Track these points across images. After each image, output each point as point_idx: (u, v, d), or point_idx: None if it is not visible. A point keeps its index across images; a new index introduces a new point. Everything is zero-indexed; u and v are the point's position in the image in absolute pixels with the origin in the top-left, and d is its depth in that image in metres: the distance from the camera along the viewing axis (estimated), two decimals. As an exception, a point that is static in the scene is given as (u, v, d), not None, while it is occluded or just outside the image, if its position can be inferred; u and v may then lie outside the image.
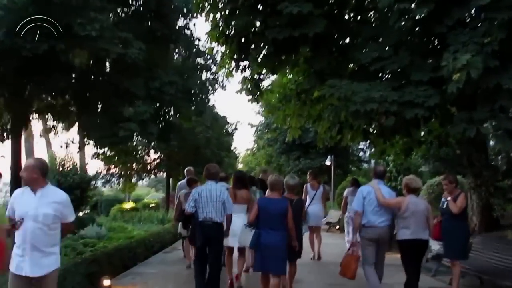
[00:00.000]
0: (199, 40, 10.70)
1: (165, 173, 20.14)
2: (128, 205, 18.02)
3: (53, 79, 6.45)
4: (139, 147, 17.54)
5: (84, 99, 7.64)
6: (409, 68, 6.24)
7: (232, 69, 8.55)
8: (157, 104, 9.55)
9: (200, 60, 12.64)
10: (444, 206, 5.14)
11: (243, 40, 7.96)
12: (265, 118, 23.38)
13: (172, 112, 10.65)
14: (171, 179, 19.84)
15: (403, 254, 4.64)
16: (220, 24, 7.84)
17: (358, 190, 5.03)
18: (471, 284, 5.82)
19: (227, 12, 7.64)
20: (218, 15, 7.83)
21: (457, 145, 8.67)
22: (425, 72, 6.11)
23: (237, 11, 7.52)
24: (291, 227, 4.36)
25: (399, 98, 5.94)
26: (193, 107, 11.36)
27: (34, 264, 3.02)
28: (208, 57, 13.59)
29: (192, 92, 10.74)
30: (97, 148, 10.33)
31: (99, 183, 19.44)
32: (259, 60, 7.91)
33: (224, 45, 8.16)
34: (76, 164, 16.64)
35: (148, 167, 19.15)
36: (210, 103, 18.48)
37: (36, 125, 20.26)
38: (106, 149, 11.16)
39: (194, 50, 10.85)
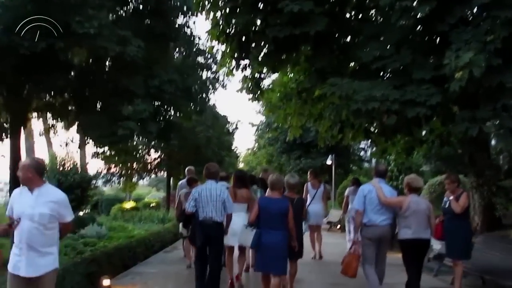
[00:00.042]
0: (199, 38, 10.67)
1: (165, 173, 20.12)
2: (129, 204, 17.99)
3: (51, 78, 6.41)
4: (140, 147, 17.52)
5: (83, 98, 7.60)
6: (410, 67, 6.20)
7: (233, 68, 8.51)
8: (157, 103, 9.51)
9: (200, 59, 12.61)
10: (446, 206, 5.10)
11: (243, 38, 7.92)
12: (266, 117, 23.37)
13: (172, 111, 10.61)
14: (171, 179, 19.82)
15: (404, 253, 4.61)
16: (220, 22, 7.80)
17: (359, 189, 5.00)
18: (473, 284, 5.78)
19: (227, 10, 7.60)
20: (218, 14, 7.79)
21: (459, 144, 8.62)
22: (427, 71, 6.06)
23: (238, 9, 7.48)
24: (292, 227, 4.34)
25: (400, 97, 5.90)
26: (193, 106, 11.31)
27: (30, 264, 2.99)
28: (209, 56, 13.57)
29: (192, 90, 10.70)
30: (96, 148, 10.31)
31: (99, 182, 19.42)
32: (260, 58, 7.87)
33: (225, 44, 8.12)
34: (77, 163, 16.64)
35: (149, 166, 19.13)
36: (211, 102, 18.47)
37: (36, 124, 20.30)
38: (106, 148, 11.13)
39: (194, 49, 10.81)
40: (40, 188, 3.05)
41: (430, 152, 12.50)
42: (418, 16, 6.21)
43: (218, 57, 10.31)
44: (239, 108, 76.00)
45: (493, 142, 11.04)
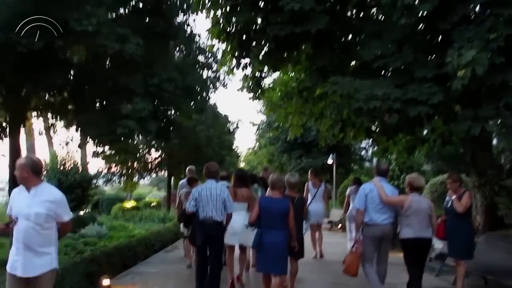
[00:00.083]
0: (199, 36, 10.60)
1: (166, 172, 20.09)
2: (129, 204, 17.98)
3: (50, 76, 6.37)
4: (140, 146, 17.49)
5: (82, 96, 7.56)
6: (412, 65, 6.15)
7: (233, 67, 8.47)
8: (157, 102, 9.45)
9: (201, 58, 12.55)
10: (449, 205, 5.06)
11: (244, 37, 7.88)
12: (266, 116, 23.35)
13: (171, 109, 10.57)
14: (172, 178, 19.80)
15: (406, 253, 4.59)
16: (220, 21, 7.76)
17: (360, 187, 4.98)
18: (475, 284, 5.74)
19: (227, 8, 7.56)
20: (218, 12, 7.74)
21: (461, 143, 8.57)
22: (429, 69, 6.02)
23: (238, 7, 7.44)
24: (292, 227, 4.32)
25: (402, 96, 5.86)
26: (193, 105, 11.26)
27: (27, 264, 2.96)
28: (210, 55, 13.52)
29: (193, 89, 10.65)
30: (96, 147, 10.28)
31: (100, 182, 19.41)
32: (261, 57, 7.83)
33: (225, 42, 8.08)
34: (77, 163, 16.63)
35: (149, 165, 19.10)
36: (212, 102, 18.43)
37: (37, 123, 20.29)
38: (106, 147, 11.09)
39: (194, 47, 10.75)
40: (37, 187, 3.02)
41: (431, 151, 12.46)
42: (420, 14, 6.16)
43: (219, 56, 10.26)
44: (240, 108, 76.08)
45: (494, 141, 10.99)
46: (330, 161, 18.11)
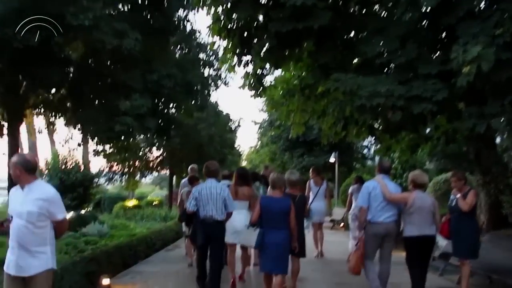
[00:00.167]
0: (199, 32, 10.53)
1: (168, 171, 20.07)
2: (131, 202, 17.95)
3: (47, 73, 6.31)
4: (142, 144, 17.47)
5: (79, 93, 7.50)
6: (416, 62, 6.06)
7: (234, 64, 8.38)
8: (155, 98, 9.36)
9: (202, 56, 12.48)
10: (453, 204, 4.98)
11: (245, 34, 7.79)
12: (268, 115, 23.28)
13: (171, 107, 10.50)
14: (174, 177, 19.77)
15: (409, 251, 4.54)
16: (221, 17, 7.67)
17: (363, 185, 4.92)
18: (480, 284, 5.68)
19: (228, 5, 7.46)
20: (219, 9, 7.66)
21: (465, 141, 8.48)
22: (433, 65, 5.93)
23: (239, 4, 7.34)
24: (293, 227, 4.28)
25: (406, 93, 5.77)
26: (193, 102, 11.19)
27: (21, 264, 2.91)
28: (211, 53, 13.45)
29: (193, 86, 10.57)
30: (96, 145, 10.23)
31: (102, 180, 19.40)
32: (262, 54, 7.73)
33: (226, 39, 8.00)
34: (79, 162, 16.62)
35: (151, 164, 19.08)
36: (213, 100, 18.37)
37: (38, 122, 20.27)
38: (107, 146, 11.05)
39: (195, 43, 10.68)
40: (30, 185, 2.95)
41: (435, 149, 12.37)
42: (424, 10, 6.06)
43: (220, 53, 10.18)
44: (241, 106, 76.03)
45: (498, 139, 10.89)
46: (332, 160, 18.02)
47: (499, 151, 10.54)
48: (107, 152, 14.12)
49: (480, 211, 7.59)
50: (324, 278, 6.07)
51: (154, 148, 18.34)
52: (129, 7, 7.27)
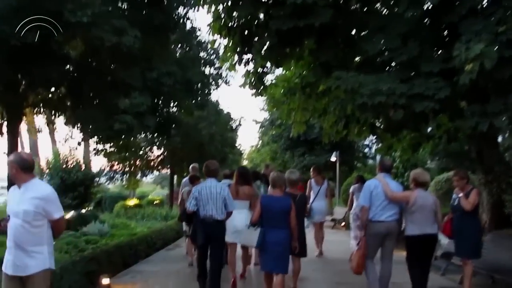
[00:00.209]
0: (199, 30, 10.46)
1: (169, 170, 20.05)
2: (132, 201, 17.93)
3: (46, 70, 6.27)
4: (142, 144, 17.45)
5: (78, 91, 7.45)
6: (418, 59, 6.01)
7: (235, 63, 8.34)
8: (155, 96, 9.30)
9: (202, 54, 12.43)
10: (455, 203, 4.94)
11: (246, 32, 7.75)
12: (269, 114, 23.23)
13: (171, 104, 10.44)
14: (175, 176, 19.75)
15: (410, 251, 4.52)
16: (222, 15, 7.63)
17: (364, 184, 4.89)
18: (482, 284, 5.63)
19: (229, 3, 7.42)
20: (220, 7, 7.61)
21: (467, 140, 8.42)
22: (435, 63, 5.88)
23: (240, 2, 7.30)
24: (293, 226, 4.25)
25: (408, 91, 5.72)
26: (193, 100, 11.13)
27: (18, 263, 2.88)
28: (212, 51, 13.42)
29: (193, 84, 10.51)
30: (96, 144, 10.19)
31: (102, 179, 19.40)
32: (263, 52, 7.69)
33: (227, 38, 7.96)
34: (80, 161, 16.62)
35: (152, 163, 19.06)
36: (214, 99, 18.34)
37: (40, 121, 20.25)
38: (107, 145, 11.01)
39: (195, 42, 10.63)
40: (27, 184, 2.92)
41: (436, 148, 12.31)
42: (426, 7, 6.01)
43: (221, 52, 10.14)
44: (242, 105, 76.02)
45: (499, 138, 10.82)
46: (333, 159, 17.96)
47: (501, 150, 10.48)
48: (108, 151, 14.09)
49: (482, 211, 7.54)
50: (325, 277, 6.03)
51: (155, 147, 18.32)
52: (128, 4, 7.21)
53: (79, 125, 8.06)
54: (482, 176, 7.74)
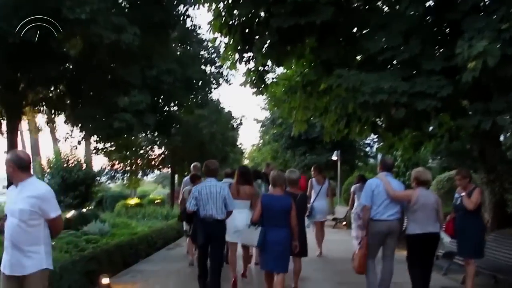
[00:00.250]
0: (199, 27, 10.40)
1: (170, 169, 20.03)
2: (133, 201, 17.92)
3: (45, 69, 6.24)
4: (143, 143, 17.42)
5: (78, 90, 7.42)
6: (420, 57, 5.96)
7: (236, 61, 8.30)
8: (155, 94, 9.22)
9: (203, 53, 12.38)
10: (458, 202, 4.89)
11: (246, 30, 7.71)
12: (270, 113, 23.18)
13: (171, 102, 10.38)
14: (176, 175, 19.73)
15: (411, 250, 4.49)
16: (222, 13, 7.59)
17: (366, 183, 4.85)
18: (485, 283, 5.59)
19: (229, 1, 7.38)
20: (220, 5, 7.57)
21: (469, 138, 8.37)
22: (437, 61, 5.82)
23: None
24: (294, 226, 4.23)
25: (410, 89, 5.67)
26: (193, 99, 11.07)
27: (14, 263, 2.85)
28: (212, 50, 13.38)
29: (193, 82, 10.45)
30: (97, 143, 10.16)
31: (103, 179, 19.38)
32: (264, 50, 7.66)
33: (227, 36, 7.91)
34: (81, 160, 16.60)
35: (153, 162, 19.05)
36: (215, 98, 18.29)
37: (41, 120, 20.23)
38: (107, 144, 10.97)
39: (195, 39, 10.57)
40: (23, 182, 2.89)
41: (438, 147, 12.25)
42: (427, 4, 5.96)
43: (221, 51, 10.08)
44: (243, 104, 76.05)
45: (501, 137, 10.75)
46: (334, 158, 17.91)
47: (504, 149, 10.41)
48: (108, 150, 14.05)
49: (484, 210, 7.48)
50: (326, 277, 6.00)
51: (156, 146, 18.30)
52: (127, 1, 7.16)
53: (78, 124, 8.03)
54: (484, 175, 7.69)
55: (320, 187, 7.50)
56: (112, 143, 12.67)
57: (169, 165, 19.29)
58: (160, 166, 19.59)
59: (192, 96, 11.02)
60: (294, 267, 4.87)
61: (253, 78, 8.52)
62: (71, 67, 7.37)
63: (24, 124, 18.04)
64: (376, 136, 11.18)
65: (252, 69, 8.47)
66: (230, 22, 7.66)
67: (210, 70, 13.79)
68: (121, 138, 9.61)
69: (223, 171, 6.62)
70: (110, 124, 7.36)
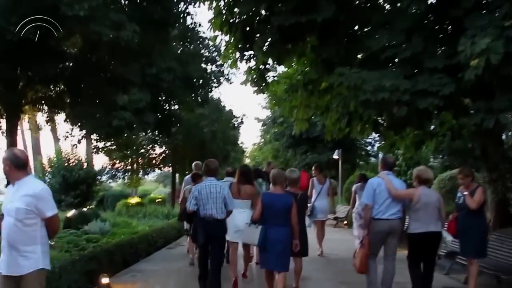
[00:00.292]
0: (199, 25, 10.35)
1: (171, 168, 20.02)
2: (134, 200, 17.91)
3: (44, 67, 6.20)
4: (144, 141, 17.41)
5: (77, 88, 7.38)
6: (422, 55, 5.90)
7: (237, 59, 8.26)
8: (155, 92, 9.14)
9: (204, 51, 12.33)
10: (460, 201, 4.85)
11: (247, 28, 7.67)
12: (271, 112, 23.14)
13: (171, 101, 10.32)
14: (177, 174, 19.72)
15: (412, 249, 4.46)
16: (223, 11, 7.55)
17: (367, 182, 4.82)
18: (488, 283, 5.55)
19: (230, -2, 7.34)
20: (221, 3, 7.53)
21: (471, 137, 8.32)
22: (439, 59, 5.77)
23: (241, -3, 7.21)
24: (294, 224, 4.20)
25: (411, 87, 5.62)
26: (194, 97, 11.01)
27: (11, 263, 2.82)
28: (213, 49, 13.33)
29: (194, 80, 10.39)
30: (97, 142, 10.12)
31: (104, 178, 19.37)
32: (265, 49, 7.61)
33: (228, 34, 7.87)
34: (81, 159, 16.59)
35: (154, 161, 19.04)
36: (216, 96, 18.26)
37: (42, 119, 20.24)
38: (108, 143, 10.93)
39: (195, 37, 10.51)
40: (20, 181, 2.86)
41: (440, 146, 12.20)
42: (429, 2, 5.90)
43: (222, 49, 10.03)
44: (244, 103, 76.12)
45: (504, 136, 10.70)
46: (335, 156, 17.86)
47: (506, 147, 10.36)
48: (108, 149, 14.02)
49: (487, 209, 7.44)
50: (327, 276, 5.97)
51: (157, 145, 18.28)
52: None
53: (78, 122, 7.98)
54: (486, 174, 7.63)
55: (321, 186, 7.49)
56: (113, 142, 12.63)
57: (170, 164, 19.28)
58: (161, 165, 19.58)
59: (193, 94, 10.94)
60: (295, 267, 4.84)
61: (254, 76, 8.48)
62: (70, 65, 7.34)
63: (25, 123, 18.05)
64: (377, 134, 11.13)
65: (253, 68, 8.43)
66: (231, 20, 7.61)
67: (211, 68, 13.76)
68: (121, 137, 9.56)
69: (224, 170, 6.59)
70: (110, 122, 7.31)
